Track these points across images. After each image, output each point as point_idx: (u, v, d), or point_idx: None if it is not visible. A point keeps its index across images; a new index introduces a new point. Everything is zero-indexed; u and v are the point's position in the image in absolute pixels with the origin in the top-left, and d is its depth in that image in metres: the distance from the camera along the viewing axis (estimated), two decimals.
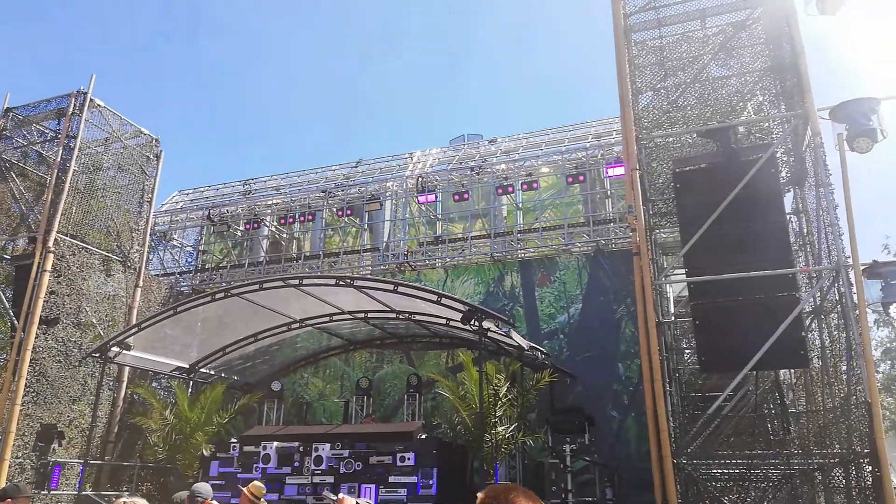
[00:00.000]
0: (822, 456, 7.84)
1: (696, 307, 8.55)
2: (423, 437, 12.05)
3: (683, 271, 9.26)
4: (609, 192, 16.41)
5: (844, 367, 8.45)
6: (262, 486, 6.92)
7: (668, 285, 10.71)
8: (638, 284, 9.03)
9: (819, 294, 9.03)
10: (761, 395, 8.99)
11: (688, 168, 9.34)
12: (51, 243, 13.64)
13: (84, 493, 12.41)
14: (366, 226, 19.08)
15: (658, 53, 10.18)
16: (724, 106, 9.75)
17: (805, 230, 9.90)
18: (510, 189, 16.36)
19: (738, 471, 8.11)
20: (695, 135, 9.73)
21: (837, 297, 8.28)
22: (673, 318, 10.54)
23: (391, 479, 11.09)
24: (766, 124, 9.88)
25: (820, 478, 8.21)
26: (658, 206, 10.13)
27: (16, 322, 13.26)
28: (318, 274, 16.09)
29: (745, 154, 9.01)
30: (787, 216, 9.40)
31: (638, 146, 9.66)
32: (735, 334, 8.16)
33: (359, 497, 7.03)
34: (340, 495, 4.42)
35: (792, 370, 9.98)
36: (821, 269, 8.79)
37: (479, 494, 2.06)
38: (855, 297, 7.82)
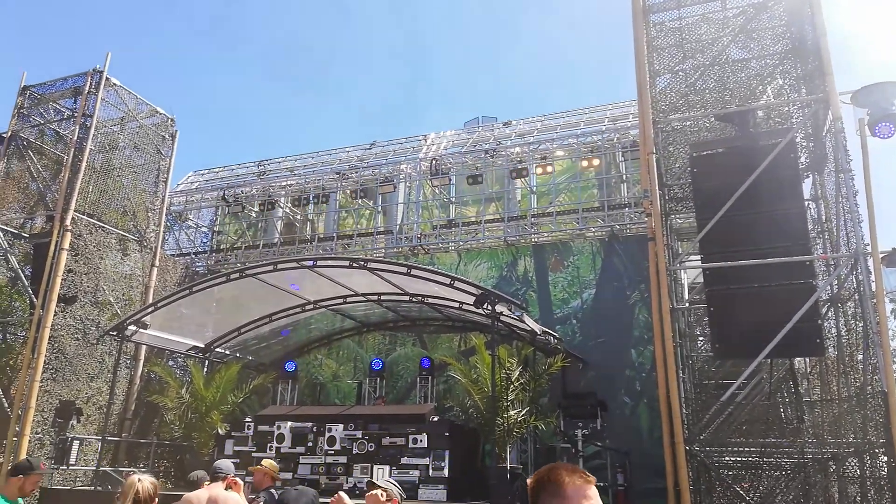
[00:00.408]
0: (837, 445, 7.79)
1: (711, 293, 8.49)
2: (436, 419, 12.13)
3: (699, 257, 9.18)
4: (624, 177, 16.27)
5: (861, 357, 8.37)
6: (275, 464, 7.02)
7: (682, 271, 10.63)
8: (652, 270, 8.97)
9: (836, 282, 8.92)
10: (775, 383, 8.92)
11: (705, 152, 9.23)
12: (68, 222, 13.76)
13: (102, 468, 12.63)
14: (379, 208, 19.08)
15: (677, 35, 10.02)
16: (744, 89, 9.59)
17: (823, 217, 9.77)
18: (524, 172, 16.25)
19: (751, 459, 8.08)
20: (713, 118, 9.58)
21: (855, 286, 8.18)
22: (687, 304, 10.47)
23: (403, 460, 11.18)
24: (786, 108, 9.71)
25: (834, 467, 8.16)
26: (674, 190, 10.02)
27: (35, 300, 13.44)
28: (332, 256, 16.14)
29: (764, 138, 8.88)
30: (806, 202, 9.26)
31: (655, 130, 9.55)
32: (750, 322, 8.10)
33: (386, 478, 7.08)
34: (337, 495, 4.44)
35: (807, 359, 9.90)
36: (839, 256, 8.68)
37: (529, 481, 2.10)
38: (873, 285, 7.71)
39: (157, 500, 3.60)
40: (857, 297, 8.15)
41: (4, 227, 14.70)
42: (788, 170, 8.51)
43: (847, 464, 7.90)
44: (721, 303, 8.41)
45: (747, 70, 9.73)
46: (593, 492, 1.97)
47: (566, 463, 2.12)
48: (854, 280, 8.17)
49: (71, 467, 12.74)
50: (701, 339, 10.97)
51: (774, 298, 8.05)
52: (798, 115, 9.62)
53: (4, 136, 15.43)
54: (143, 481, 3.62)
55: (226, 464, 5.82)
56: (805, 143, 9.66)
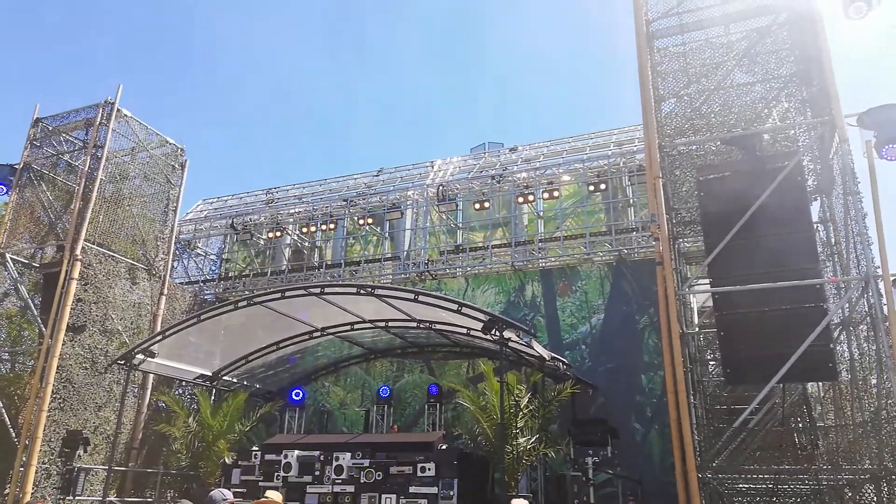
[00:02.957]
0: (853, 472, 7.63)
1: (721, 318, 8.41)
2: (444, 447, 11.99)
3: (708, 281, 9.12)
4: (631, 201, 16.25)
5: (874, 381, 8.24)
6: (279, 495, 6.94)
7: (692, 295, 10.54)
8: (661, 294, 8.91)
9: (848, 305, 8.83)
10: (788, 408, 8.78)
11: (712, 176, 9.21)
12: (78, 251, 13.87)
13: (108, 499, 12.53)
14: (387, 234, 19.13)
15: (681, 60, 10.08)
16: (749, 113, 9.61)
17: (833, 239, 9.70)
18: (531, 197, 16.27)
19: (765, 486, 7.92)
20: (719, 142, 9.59)
21: (867, 308, 8.09)
22: (697, 328, 10.36)
23: (412, 489, 11.05)
24: (792, 131, 9.69)
25: (850, 494, 7.99)
26: (682, 214, 9.99)
27: (44, 329, 13.49)
28: (340, 282, 16.15)
29: (771, 162, 8.86)
30: (815, 225, 9.21)
31: (661, 154, 9.56)
32: (761, 346, 8.01)
33: None
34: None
35: (820, 383, 9.76)
36: (849, 279, 8.60)
37: None
38: (885, 308, 7.63)
39: None
40: (869, 320, 8.05)
41: (15, 258, 14.82)
42: (796, 193, 8.48)
43: (864, 490, 7.73)
44: (731, 327, 8.33)
45: (752, 94, 9.76)
46: None
47: None
48: (865, 303, 8.08)
49: (77, 498, 12.64)
50: (712, 363, 10.84)
51: (785, 322, 7.97)
52: (804, 137, 9.61)
53: (17, 167, 15.64)
54: None
55: (218, 494, 5.69)
56: (812, 165, 9.64)
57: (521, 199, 16.34)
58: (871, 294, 7.80)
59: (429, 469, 11.05)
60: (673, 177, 9.89)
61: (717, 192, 8.95)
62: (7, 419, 13.20)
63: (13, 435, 12.89)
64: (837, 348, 8.44)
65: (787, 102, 9.73)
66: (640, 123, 11.85)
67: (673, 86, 10.06)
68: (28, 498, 11.67)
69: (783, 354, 7.58)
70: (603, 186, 15.73)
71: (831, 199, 9.74)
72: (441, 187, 17.15)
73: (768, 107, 9.73)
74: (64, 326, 13.17)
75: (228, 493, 5.75)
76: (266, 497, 6.69)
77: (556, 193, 16.27)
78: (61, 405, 13.11)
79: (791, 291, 8.00)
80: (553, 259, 16.05)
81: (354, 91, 69.05)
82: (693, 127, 9.82)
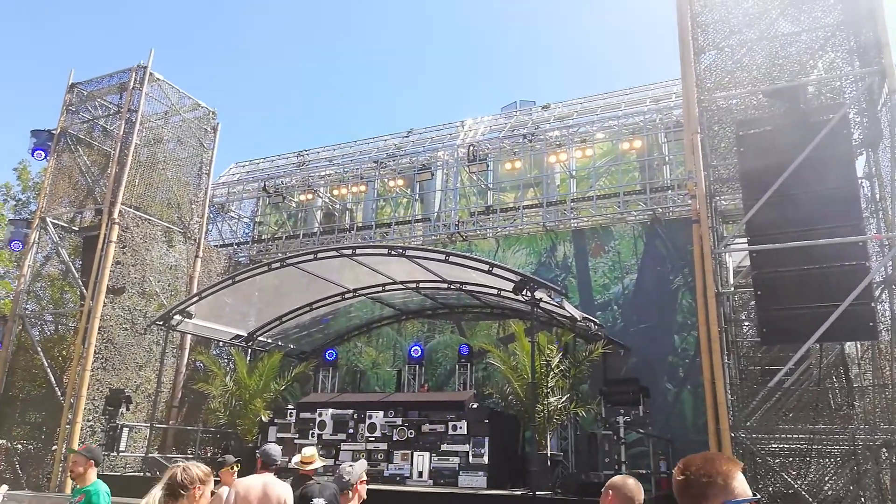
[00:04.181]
0: (890, 432, 7.46)
1: (758, 277, 8.21)
2: (475, 406, 12.10)
3: (745, 240, 8.89)
4: (667, 159, 15.85)
5: None
6: (314, 452, 7.08)
7: (728, 254, 10.32)
8: (697, 253, 8.74)
9: (891, 263, 8.52)
10: (825, 368, 8.60)
11: (752, 131, 8.90)
12: (116, 215, 14.14)
13: (150, 455, 12.99)
14: (417, 196, 19.06)
15: (722, 9, 9.68)
16: (793, 64, 9.21)
17: (878, 195, 9.33)
18: (563, 156, 15.98)
19: (799, 446, 7.82)
20: (760, 96, 9.23)
21: None
22: (732, 288, 10.15)
23: (443, 447, 11.20)
24: (839, 83, 9.29)
25: (886, 454, 7.84)
26: (719, 171, 9.70)
27: (85, 291, 13.86)
28: (371, 244, 16.21)
29: (815, 115, 8.52)
30: (859, 180, 8.86)
31: (700, 109, 9.26)
32: (799, 305, 7.82)
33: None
34: None
35: (859, 343, 9.52)
36: (893, 236, 8.29)
37: (676, 472, 2.02)
38: None
39: (201, 487, 3.40)
40: None
41: (55, 222, 15.18)
42: (841, 146, 8.16)
43: None
44: (768, 286, 8.14)
45: (797, 44, 9.34)
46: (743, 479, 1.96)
47: (716, 453, 2.05)
48: None
49: (121, 454, 13.15)
50: (746, 324, 10.65)
51: (825, 281, 7.75)
52: (851, 89, 9.20)
53: (54, 132, 15.91)
54: (182, 468, 3.42)
55: (276, 449, 5.78)
56: (859, 118, 9.23)
57: (553, 159, 16.07)
58: None
59: (460, 427, 11.18)
60: (711, 132, 9.58)
61: (757, 148, 8.65)
62: (53, 379, 13.70)
63: (59, 393, 13.39)
64: (879, 307, 8.20)
65: (834, 53, 9.29)
66: (678, 77, 11.46)
67: (713, 37, 9.68)
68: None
69: (822, 313, 7.39)
70: (638, 144, 15.35)
71: (878, 154, 9.34)
72: (471, 147, 16.94)
73: (813, 58, 9.31)
74: (104, 289, 13.52)
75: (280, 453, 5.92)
76: (303, 454, 6.87)
77: (589, 152, 15.95)
78: (104, 365, 13.55)
79: (832, 249, 7.76)
80: (585, 219, 15.82)
81: (384, 50, 68.35)
82: (734, 80, 9.46)
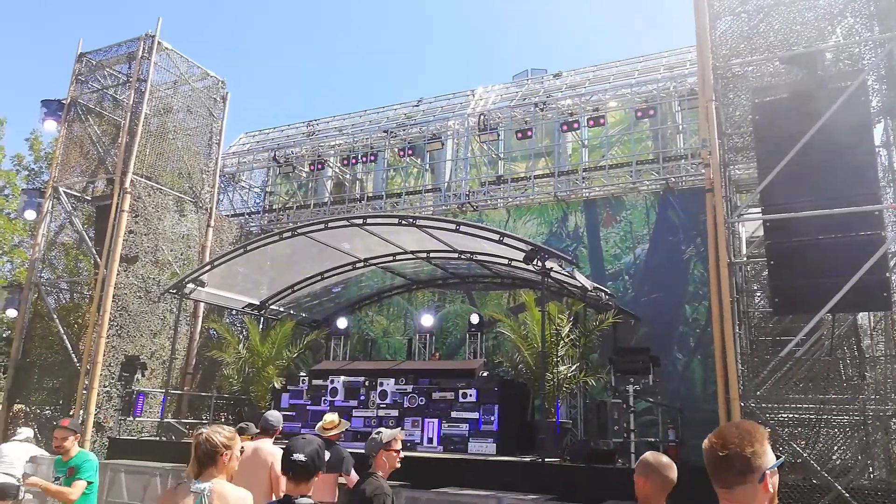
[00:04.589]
0: None
1: (772, 246, 8.13)
2: (485, 374, 12.20)
3: (758, 209, 8.80)
4: (681, 127, 15.65)
5: None
6: (334, 418, 7.24)
7: (741, 224, 10.24)
8: (710, 222, 8.66)
9: None
10: (836, 339, 8.57)
11: (768, 98, 8.73)
12: (127, 184, 14.19)
13: (166, 420, 13.24)
14: (427, 166, 18.97)
15: None
16: (811, 30, 8.99)
17: (895, 164, 9.19)
18: (575, 125, 15.79)
19: (808, 416, 7.84)
20: (777, 63, 9.04)
21: None
22: (745, 258, 10.10)
23: (453, 414, 11.33)
24: (857, 49, 9.08)
25: None
26: (734, 140, 9.56)
27: (99, 260, 14.00)
28: (382, 213, 16.21)
29: (833, 82, 8.34)
30: (877, 149, 8.71)
31: (715, 76, 9.09)
32: (812, 275, 7.74)
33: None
34: None
35: (871, 314, 9.47)
36: None
37: (715, 446, 1.99)
38: None
39: (227, 452, 3.29)
40: None
41: (68, 191, 15.27)
42: (859, 114, 7.98)
43: None
44: (782, 256, 8.06)
45: (815, 9, 9.11)
46: None
47: (745, 422, 2.05)
48: None
49: (137, 419, 13.42)
50: (758, 294, 10.61)
51: (839, 251, 7.67)
52: (870, 55, 8.99)
53: (64, 102, 15.91)
54: (205, 437, 3.29)
55: (275, 416, 5.90)
56: (877, 85, 9.04)
57: (565, 128, 15.92)
58: None
59: (470, 395, 11.29)
60: (726, 100, 9.42)
61: (773, 115, 8.50)
62: (69, 346, 13.93)
63: (75, 360, 13.62)
64: (893, 278, 8.13)
65: (853, 18, 9.07)
66: (692, 45, 11.26)
67: (729, 2, 9.45)
68: (91, 418, 12.42)
69: (835, 284, 7.32)
70: (651, 112, 15.16)
71: None
72: (482, 116, 16.79)
73: (832, 23, 9.09)
74: (118, 257, 13.63)
75: (281, 418, 6.02)
76: (324, 420, 7.11)
77: (601, 121, 15.78)
78: (118, 332, 13.73)
79: (848, 218, 7.66)
80: (597, 189, 15.72)
81: (395, 19, 67.43)
82: (750, 46, 9.26)
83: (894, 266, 8.34)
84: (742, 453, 1.92)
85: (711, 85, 8.99)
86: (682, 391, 12.84)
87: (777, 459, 1.96)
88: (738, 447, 1.93)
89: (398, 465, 4.58)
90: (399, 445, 4.61)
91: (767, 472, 1.91)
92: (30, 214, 15.47)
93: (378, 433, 4.59)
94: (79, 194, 15.55)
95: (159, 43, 15.44)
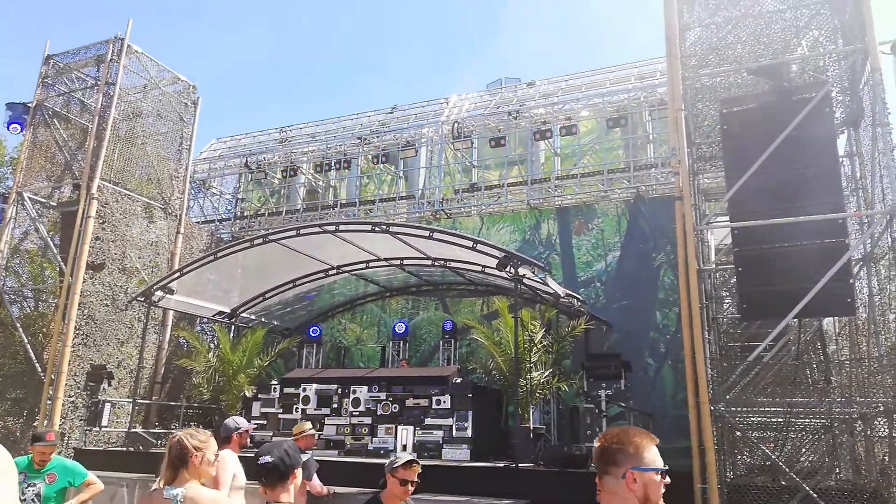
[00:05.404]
0: (865, 405, 7.65)
1: (740, 254, 8.30)
2: (459, 380, 12.18)
3: (726, 218, 8.98)
4: (651, 136, 15.91)
5: (893, 317, 8.16)
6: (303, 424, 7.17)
7: (709, 232, 10.43)
8: (679, 230, 8.80)
9: (870, 240, 8.67)
10: (803, 344, 8.77)
11: (736, 109, 8.94)
12: (94, 190, 13.92)
13: (133, 430, 12.96)
14: (401, 173, 18.97)
15: None
16: (777, 42, 9.23)
17: (858, 174, 9.46)
18: (548, 134, 15.95)
19: (776, 419, 7.99)
20: (744, 74, 9.25)
21: (890, 244, 7.94)
22: (714, 265, 10.28)
23: (427, 420, 11.28)
24: (822, 62, 9.34)
25: (861, 427, 8.04)
26: (702, 149, 9.77)
27: (64, 267, 13.69)
28: (355, 220, 16.15)
29: (798, 93, 8.56)
30: (840, 159, 8.96)
31: (684, 86, 9.27)
32: (779, 281, 7.92)
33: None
34: None
35: (836, 319, 9.71)
36: (873, 213, 8.42)
37: (596, 440, 2.25)
38: None
39: (198, 455, 3.27)
40: (890, 256, 7.92)
41: (33, 197, 14.92)
42: (823, 125, 8.21)
43: (875, 423, 7.77)
44: (749, 263, 8.23)
45: (782, 21, 9.34)
46: (657, 451, 2.17)
47: (633, 427, 2.26)
48: (889, 238, 7.93)
49: (104, 429, 13.11)
50: (727, 301, 10.82)
51: (805, 258, 7.85)
52: (834, 67, 9.26)
53: (30, 105, 15.57)
54: (177, 440, 3.29)
55: (231, 421, 5.69)
56: (841, 97, 9.32)
57: (538, 136, 16.05)
58: (894, 228, 7.64)
59: (444, 402, 11.26)
60: (695, 110, 9.62)
61: (740, 125, 8.70)
62: (33, 355, 13.57)
63: (39, 370, 13.27)
64: (857, 284, 8.35)
65: (818, 31, 9.33)
66: (662, 56, 11.47)
67: (699, 13, 9.65)
68: (57, 429, 12.10)
69: (801, 290, 7.49)
70: (623, 122, 15.38)
71: (859, 132, 9.46)
72: (456, 124, 16.87)
73: (798, 35, 9.35)
74: (83, 264, 13.35)
75: (242, 421, 5.81)
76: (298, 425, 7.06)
77: (574, 129, 15.96)
78: (84, 341, 13.43)
79: (812, 226, 7.86)
80: (570, 197, 15.88)
81: (368, 26, 67.46)
82: (719, 57, 9.47)
83: (858, 272, 8.58)
84: (608, 448, 2.14)
85: (681, 95, 9.16)
86: (654, 396, 12.99)
87: (662, 467, 2.11)
88: (608, 441, 2.16)
89: (406, 499, 4.08)
90: (410, 476, 4.03)
91: (632, 470, 2.07)
92: None
93: (395, 455, 4.18)
94: (44, 200, 15.21)
95: (129, 46, 15.21)
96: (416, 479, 4.07)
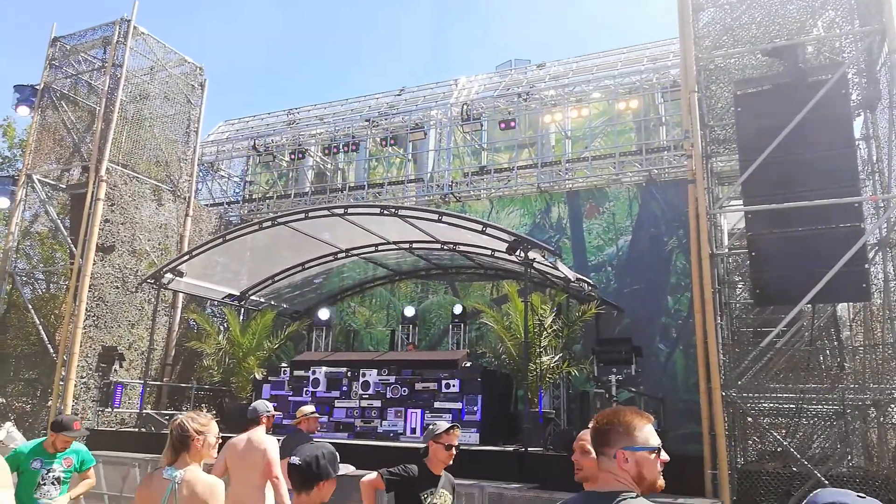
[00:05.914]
0: (879, 391, 7.59)
1: (753, 238, 8.21)
2: (468, 364, 12.19)
3: (739, 202, 8.87)
4: (664, 119, 15.71)
5: None
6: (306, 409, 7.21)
7: (722, 216, 10.31)
8: (692, 213, 8.71)
9: (886, 225, 8.55)
10: (816, 330, 8.69)
11: (750, 90, 8.78)
12: (103, 172, 13.92)
13: (145, 411, 13.07)
14: (410, 156, 18.86)
15: None
16: (793, 23, 9.06)
17: (875, 157, 9.31)
18: (559, 116, 15.79)
19: (789, 405, 7.95)
20: (759, 55, 9.09)
21: None
22: (727, 250, 10.18)
23: (436, 404, 11.31)
24: (838, 43, 9.16)
25: (874, 413, 7.99)
26: (716, 132, 9.63)
27: (74, 249, 13.73)
28: (363, 203, 16.10)
29: (813, 75, 8.40)
30: (856, 142, 8.81)
31: (697, 68, 9.12)
32: (793, 266, 7.83)
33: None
34: None
35: (851, 305, 9.61)
36: (889, 197, 8.29)
37: (591, 423, 2.27)
38: None
39: (200, 438, 3.30)
40: None
41: (43, 179, 14.94)
42: (839, 107, 8.07)
43: (889, 410, 7.71)
44: (763, 247, 8.14)
45: (797, 2, 9.16)
46: (652, 429, 2.18)
47: (627, 406, 2.25)
48: None
49: (115, 410, 13.23)
50: (740, 285, 10.72)
51: (819, 242, 7.76)
52: (851, 49, 9.09)
53: (38, 87, 15.53)
54: (178, 423, 3.31)
55: (260, 404, 5.86)
56: (857, 79, 9.15)
57: (548, 118, 15.88)
58: None
59: (453, 385, 11.27)
60: (708, 92, 9.48)
61: (754, 107, 8.56)
62: (46, 336, 13.68)
63: (52, 351, 13.38)
64: (872, 269, 8.24)
65: (834, 11, 9.15)
66: (675, 36, 11.30)
67: None
68: (69, 410, 12.20)
69: (815, 275, 7.41)
70: (634, 104, 15.18)
71: (875, 115, 9.29)
72: (465, 106, 16.71)
73: (813, 16, 9.16)
74: (93, 247, 13.38)
75: (270, 406, 5.94)
76: (301, 410, 7.10)
77: (584, 112, 15.77)
78: (95, 322, 13.51)
79: (827, 211, 7.75)
80: (580, 180, 15.73)
81: (377, 6, 66.90)
82: (733, 38, 9.31)
83: (873, 257, 8.46)
84: (600, 428, 2.17)
85: (694, 76, 9.02)
86: (665, 381, 12.95)
87: (648, 445, 2.10)
88: (600, 421, 2.19)
89: (450, 462, 4.41)
90: (452, 441, 4.37)
91: (623, 450, 2.08)
92: (2, 202, 15.10)
93: (433, 424, 4.50)
94: (53, 182, 15.22)
95: (135, 27, 15.11)
96: (456, 443, 4.40)
